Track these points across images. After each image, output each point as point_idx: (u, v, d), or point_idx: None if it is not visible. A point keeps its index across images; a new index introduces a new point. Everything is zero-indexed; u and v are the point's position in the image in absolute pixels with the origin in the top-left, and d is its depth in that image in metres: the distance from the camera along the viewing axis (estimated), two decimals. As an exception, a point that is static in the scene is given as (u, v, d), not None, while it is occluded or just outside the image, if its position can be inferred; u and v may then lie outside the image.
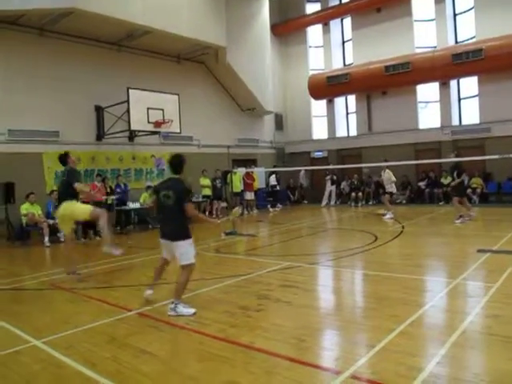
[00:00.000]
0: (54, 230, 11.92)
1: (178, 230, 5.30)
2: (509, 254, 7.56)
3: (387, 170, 14.07)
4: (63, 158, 7.77)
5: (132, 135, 14.93)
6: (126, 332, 4.69)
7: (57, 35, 13.53)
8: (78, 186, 7.45)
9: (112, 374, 3.68)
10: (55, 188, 12.68)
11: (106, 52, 14.94)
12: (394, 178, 14.10)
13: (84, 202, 10.11)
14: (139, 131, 14.33)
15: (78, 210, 7.43)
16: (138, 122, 13.50)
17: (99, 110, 14.41)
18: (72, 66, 13.89)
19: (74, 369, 3.82)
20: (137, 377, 3.63)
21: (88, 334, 4.68)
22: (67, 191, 7.45)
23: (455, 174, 12.19)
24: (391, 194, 14.36)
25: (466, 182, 13.32)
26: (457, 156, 12.92)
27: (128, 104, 13.25)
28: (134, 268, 8.37)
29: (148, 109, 13.66)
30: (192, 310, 5.16)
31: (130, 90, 13.33)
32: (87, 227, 12.57)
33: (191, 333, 4.59)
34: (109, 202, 13.29)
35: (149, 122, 13.74)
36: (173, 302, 5.19)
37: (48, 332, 4.74)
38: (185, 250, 5.25)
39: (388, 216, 13.81)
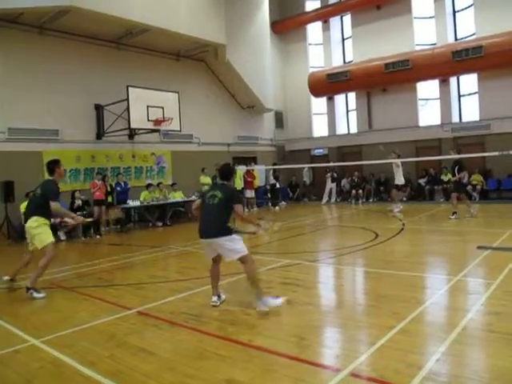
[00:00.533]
0: (53, 229, 11.91)
1: (220, 227, 5.25)
2: (509, 250, 7.54)
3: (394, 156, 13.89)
4: (51, 166, 6.69)
5: (132, 133, 14.91)
6: (126, 331, 4.68)
7: (56, 33, 13.50)
8: (54, 206, 6.41)
9: (111, 372, 3.68)
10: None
11: (105, 50, 14.91)
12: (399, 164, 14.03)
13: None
14: (139, 129, 14.31)
15: (39, 236, 6.34)
16: (138, 120, 13.48)
17: (99, 109, 14.40)
18: (71, 65, 13.87)
19: (73, 367, 3.81)
20: (136, 375, 3.62)
21: (87, 333, 4.67)
22: (39, 206, 6.42)
23: (456, 171, 12.22)
24: (396, 186, 14.34)
25: (465, 179, 13.25)
26: (458, 153, 12.88)
27: (128, 102, 13.23)
28: (135, 266, 8.36)
29: (148, 107, 13.63)
30: (280, 300, 5.13)
31: (130, 88, 13.31)
32: (87, 225, 12.59)
33: (190, 331, 4.58)
34: (109, 200, 13.30)
35: (149, 120, 13.72)
36: (258, 299, 5.09)
37: (47, 331, 4.73)
38: (231, 246, 5.17)
39: (396, 210, 13.88)
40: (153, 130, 14.46)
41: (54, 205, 6.39)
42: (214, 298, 5.43)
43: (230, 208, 5.35)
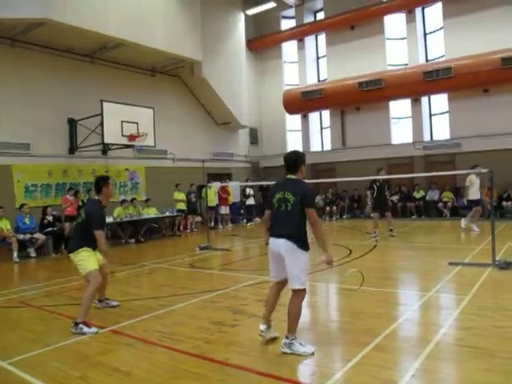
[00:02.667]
0: (23, 246, 11.64)
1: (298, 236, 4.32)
2: (479, 266, 7.71)
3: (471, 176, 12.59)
4: (99, 184, 5.79)
5: (105, 148, 14.74)
6: (98, 350, 4.58)
7: (29, 46, 13.31)
8: (98, 236, 5.47)
9: (83, 393, 3.58)
10: (25, 202, 12.43)
11: (79, 64, 14.76)
12: (473, 183, 12.62)
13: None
14: (113, 144, 14.17)
15: (81, 266, 5.57)
16: (112, 135, 13.34)
17: (72, 123, 14.20)
18: (44, 78, 13.68)
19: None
20: (109, 396, 3.54)
21: (58, 353, 4.54)
22: (83, 234, 5.60)
23: (385, 189, 12.84)
24: (472, 201, 12.98)
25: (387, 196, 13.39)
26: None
27: (102, 117, 13.09)
28: (107, 284, 8.18)
29: (122, 122, 13.52)
30: (311, 349, 4.21)
31: (104, 103, 13.19)
32: (58, 241, 12.35)
33: (165, 350, 4.50)
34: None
35: (123, 136, 13.60)
36: (287, 337, 4.26)
37: (15, 352, 4.58)
38: (300, 267, 4.29)
39: (476, 229, 12.67)
40: (127, 146, 14.33)
41: (98, 234, 5.46)
42: (262, 327, 4.54)
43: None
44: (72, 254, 5.63)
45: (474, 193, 12.64)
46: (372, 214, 13.06)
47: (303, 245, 4.34)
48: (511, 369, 3.67)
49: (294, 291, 4.29)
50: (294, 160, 4.54)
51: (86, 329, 5.18)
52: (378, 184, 12.74)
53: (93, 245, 5.60)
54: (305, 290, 4.32)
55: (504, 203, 15.53)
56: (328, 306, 6.52)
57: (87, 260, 5.54)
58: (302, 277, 4.25)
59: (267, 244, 4.55)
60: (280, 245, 4.33)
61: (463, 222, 13.12)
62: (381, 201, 12.79)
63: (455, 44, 16.96)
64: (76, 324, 5.21)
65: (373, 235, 12.43)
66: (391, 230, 12.65)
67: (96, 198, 5.85)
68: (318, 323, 5.40)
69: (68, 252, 5.80)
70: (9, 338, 5.16)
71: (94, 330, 5.19)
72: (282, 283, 4.51)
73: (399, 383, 3.47)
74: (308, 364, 4.15)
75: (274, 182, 4.63)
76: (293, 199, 4.36)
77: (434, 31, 18.56)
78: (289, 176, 4.55)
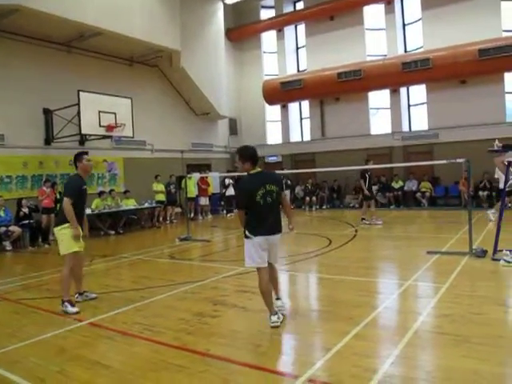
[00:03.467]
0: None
1: (280, 221, 4.92)
2: (456, 254, 7.84)
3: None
4: (74, 160, 6.05)
5: (83, 139, 14.47)
6: (77, 343, 4.51)
7: (2, 34, 12.91)
8: (65, 203, 5.68)
9: (61, 387, 3.53)
10: (0, 194, 12.18)
11: (55, 53, 14.42)
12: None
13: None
14: (90, 135, 13.92)
15: (61, 244, 5.81)
16: (89, 125, 13.11)
17: (48, 113, 13.90)
18: (18, 67, 13.31)
19: (20, 384, 3.63)
20: (88, 389, 3.50)
21: (35, 348, 4.46)
22: (60, 208, 5.91)
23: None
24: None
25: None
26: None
27: (79, 107, 12.85)
28: (86, 276, 8.01)
29: (100, 112, 13.29)
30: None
31: (81, 93, 12.93)
32: (35, 234, 12.14)
33: (145, 342, 4.47)
34: (58, 208, 12.84)
35: (100, 126, 13.37)
36: (279, 298, 5.07)
37: (-9, 346, 4.49)
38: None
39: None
40: (104, 136, 14.11)
41: (65, 201, 5.69)
42: (274, 318, 4.69)
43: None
44: (56, 229, 5.86)
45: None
46: (367, 202, 13.33)
47: None
48: (487, 354, 3.74)
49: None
50: (257, 153, 4.88)
51: (69, 307, 5.57)
52: (369, 173, 13.22)
53: (77, 220, 5.76)
54: None
55: (480, 193, 15.79)
56: (308, 296, 6.55)
57: (66, 241, 5.73)
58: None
59: (248, 237, 4.81)
60: (275, 239, 4.90)
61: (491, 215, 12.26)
62: (369, 190, 13.33)
63: (433, 35, 17.11)
64: (62, 302, 5.62)
65: (374, 221, 12.97)
66: (363, 219, 13.24)
67: (75, 172, 6.08)
68: (299, 312, 5.41)
69: (54, 225, 6.09)
70: (-16, 332, 5.06)
71: (75, 309, 5.55)
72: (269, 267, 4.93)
73: (379, 371, 3.50)
74: (288, 353, 4.17)
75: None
76: (276, 189, 4.75)
77: (413, 22, 18.68)
78: (258, 169, 4.83)
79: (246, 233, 4.78)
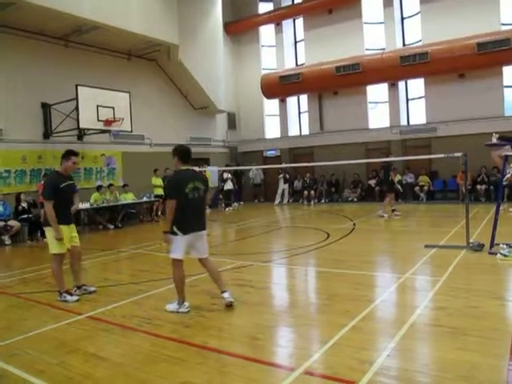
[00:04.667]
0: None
1: (205, 219, 5.37)
2: (454, 248, 7.87)
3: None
4: (62, 156, 6.07)
5: (81, 133, 14.47)
6: (76, 336, 4.54)
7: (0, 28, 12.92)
8: (45, 206, 5.73)
9: (61, 381, 3.56)
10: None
11: (53, 47, 14.36)
12: None
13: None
14: (89, 129, 13.91)
15: (49, 243, 5.93)
16: (88, 120, 13.11)
17: (46, 107, 13.88)
18: (16, 61, 13.27)
19: (19, 377, 3.65)
20: (87, 382, 3.52)
21: (35, 341, 4.49)
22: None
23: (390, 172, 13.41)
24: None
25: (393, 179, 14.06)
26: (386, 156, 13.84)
27: (77, 101, 12.83)
28: (85, 270, 8.10)
29: (98, 106, 13.28)
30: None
31: (79, 87, 12.92)
32: (33, 228, 12.16)
33: (143, 334, 4.50)
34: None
35: (99, 120, 13.37)
36: (225, 291, 5.26)
37: (-10, 340, 4.51)
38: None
39: None
40: (103, 131, 14.11)
41: (44, 204, 5.73)
42: (182, 309, 5.14)
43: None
44: (44, 228, 6.01)
45: None
46: (391, 194, 13.49)
47: None
48: (483, 347, 3.77)
49: (207, 257, 5.41)
50: (191, 152, 5.41)
51: (68, 297, 5.79)
52: (392, 167, 13.39)
53: (63, 219, 5.84)
54: None
55: (478, 186, 15.82)
56: (306, 289, 6.58)
57: (51, 243, 5.84)
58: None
59: (175, 235, 5.08)
60: (201, 235, 5.29)
61: None
62: (393, 182, 13.63)
63: (432, 29, 17.07)
64: (60, 293, 5.80)
65: (395, 213, 13.03)
66: (394, 210, 13.21)
67: (56, 169, 6.17)
68: (296, 306, 5.45)
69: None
70: (-16, 326, 5.08)
71: (75, 297, 5.79)
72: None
73: (375, 363, 3.53)
74: (286, 346, 4.20)
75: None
76: (202, 187, 5.24)
77: (411, 16, 18.62)
78: (189, 167, 5.33)
79: (174, 229, 5.06)
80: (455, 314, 4.62)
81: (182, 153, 5.31)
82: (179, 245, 5.08)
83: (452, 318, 4.50)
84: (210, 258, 5.53)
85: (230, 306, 5.14)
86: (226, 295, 5.20)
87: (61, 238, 5.76)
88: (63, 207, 5.87)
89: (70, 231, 6.02)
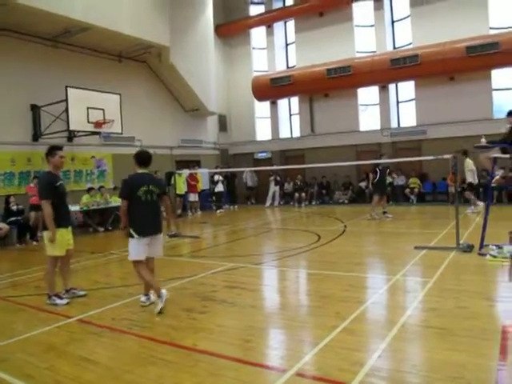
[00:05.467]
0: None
1: (161, 222, 5.58)
2: (443, 250, 7.92)
3: (467, 159, 13.14)
4: (47, 154, 5.87)
5: (71, 135, 14.39)
6: (66, 340, 4.50)
7: (-12, 29, 12.83)
8: (43, 205, 5.62)
9: (50, 384, 3.52)
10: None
11: (42, 48, 14.25)
12: (473, 167, 13.17)
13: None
14: (79, 131, 13.84)
15: (46, 245, 5.84)
16: (78, 121, 13.04)
17: (35, 109, 13.77)
18: (4, 62, 13.16)
19: (8, 382, 3.61)
20: (77, 385, 3.49)
21: (23, 345, 4.44)
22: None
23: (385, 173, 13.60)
24: (471, 185, 13.40)
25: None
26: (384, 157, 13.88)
27: (67, 103, 12.77)
28: (75, 273, 8.01)
29: (88, 108, 13.22)
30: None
31: (69, 89, 12.85)
32: (23, 231, 12.04)
33: (133, 337, 4.47)
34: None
35: (89, 122, 13.31)
36: (147, 295, 5.56)
37: (-22, 344, 4.46)
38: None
39: (470, 210, 13.23)
40: (93, 133, 14.04)
41: (43, 204, 5.62)
42: (143, 298, 5.57)
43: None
44: (44, 232, 5.87)
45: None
46: (382, 196, 13.50)
47: None
48: (472, 347, 3.79)
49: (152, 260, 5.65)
50: (150, 158, 5.58)
51: (58, 300, 5.72)
52: (380, 168, 13.34)
53: (63, 221, 5.83)
54: None
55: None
56: (297, 291, 6.58)
57: (48, 245, 5.77)
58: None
59: (132, 237, 5.36)
60: (157, 238, 5.52)
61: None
62: (383, 184, 13.58)
63: (422, 32, 17.22)
64: (49, 296, 5.74)
65: (374, 215, 13.17)
66: (385, 212, 13.33)
67: (47, 170, 6.00)
68: (287, 307, 5.45)
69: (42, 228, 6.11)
70: (-29, 329, 5.03)
71: (64, 301, 5.74)
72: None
73: (366, 364, 3.54)
74: (277, 348, 4.19)
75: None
76: (157, 191, 5.48)
77: (402, 19, 18.76)
78: (144, 171, 5.52)
79: (131, 231, 5.33)
80: (445, 314, 4.64)
81: (140, 157, 5.54)
82: (136, 247, 5.34)
83: (442, 318, 4.52)
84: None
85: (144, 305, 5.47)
86: (143, 298, 5.57)
87: (53, 240, 5.70)
88: (62, 208, 5.85)
89: (68, 234, 5.98)
